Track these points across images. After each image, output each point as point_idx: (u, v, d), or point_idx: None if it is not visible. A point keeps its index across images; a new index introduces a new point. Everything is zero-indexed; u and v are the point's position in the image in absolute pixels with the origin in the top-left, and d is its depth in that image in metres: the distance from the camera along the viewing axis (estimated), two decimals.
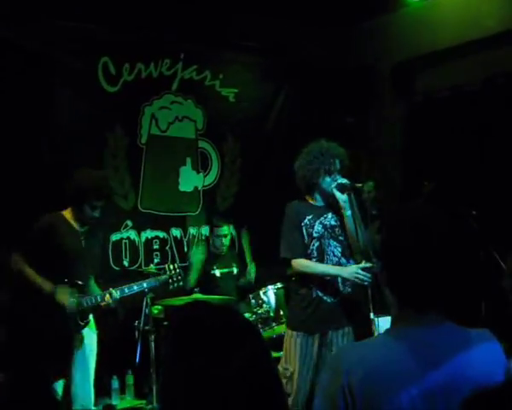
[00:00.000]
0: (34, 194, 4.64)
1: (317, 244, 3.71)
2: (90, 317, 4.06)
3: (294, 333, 3.70)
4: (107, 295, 3.93)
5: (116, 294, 3.97)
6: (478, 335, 1.56)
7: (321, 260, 3.71)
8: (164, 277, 4.27)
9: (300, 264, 3.67)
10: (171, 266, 4.33)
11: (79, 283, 3.90)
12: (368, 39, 6.00)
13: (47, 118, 4.92)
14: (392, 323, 1.57)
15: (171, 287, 4.35)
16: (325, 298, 3.69)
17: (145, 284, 4.15)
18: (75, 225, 3.98)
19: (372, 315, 3.57)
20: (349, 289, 3.74)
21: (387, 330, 1.57)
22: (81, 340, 3.98)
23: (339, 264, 3.74)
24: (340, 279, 3.71)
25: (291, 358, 3.67)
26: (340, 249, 3.75)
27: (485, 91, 5.09)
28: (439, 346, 1.49)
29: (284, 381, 3.66)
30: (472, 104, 5.18)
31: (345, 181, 3.66)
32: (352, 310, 3.76)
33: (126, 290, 4.06)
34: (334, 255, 3.74)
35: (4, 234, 4.24)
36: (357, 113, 6.09)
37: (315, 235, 3.70)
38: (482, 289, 4.03)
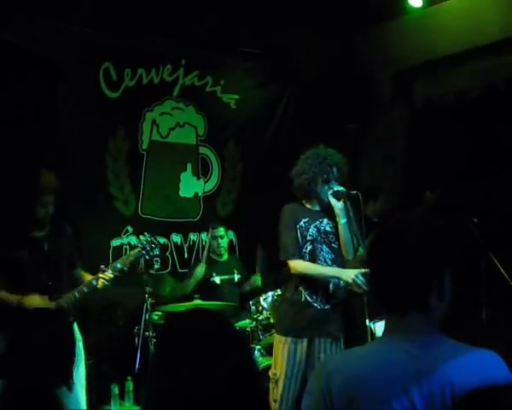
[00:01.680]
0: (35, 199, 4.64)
1: (310, 247, 3.68)
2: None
3: (283, 338, 3.68)
4: (100, 275, 3.83)
5: (110, 274, 3.85)
6: (472, 349, 1.51)
7: (311, 263, 3.69)
8: (137, 249, 4.10)
9: (299, 265, 3.65)
10: (142, 237, 4.18)
11: (48, 283, 3.78)
12: (369, 46, 6.01)
13: (48, 123, 4.93)
14: (384, 332, 1.56)
15: (147, 257, 4.17)
16: (315, 304, 3.66)
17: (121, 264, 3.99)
18: (33, 232, 3.87)
19: (368, 322, 3.56)
20: (340, 297, 3.71)
21: (376, 339, 1.55)
22: None
23: None
24: (331, 286, 3.67)
25: (278, 363, 3.67)
26: (331, 256, 3.71)
27: (488, 98, 5.09)
28: (424, 357, 1.45)
29: (271, 386, 3.67)
30: (474, 111, 5.17)
31: (341, 189, 3.63)
32: (343, 318, 3.73)
33: (119, 266, 3.92)
34: (325, 261, 3.70)
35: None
36: (358, 119, 6.09)
37: (309, 238, 3.68)
38: (483, 296, 4.02)
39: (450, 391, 1.41)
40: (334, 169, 3.66)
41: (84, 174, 5.13)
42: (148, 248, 4.09)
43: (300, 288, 3.67)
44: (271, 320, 4.74)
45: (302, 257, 3.67)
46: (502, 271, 3.76)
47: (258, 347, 4.68)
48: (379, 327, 3.83)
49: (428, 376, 1.42)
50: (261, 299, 4.82)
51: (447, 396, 1.41)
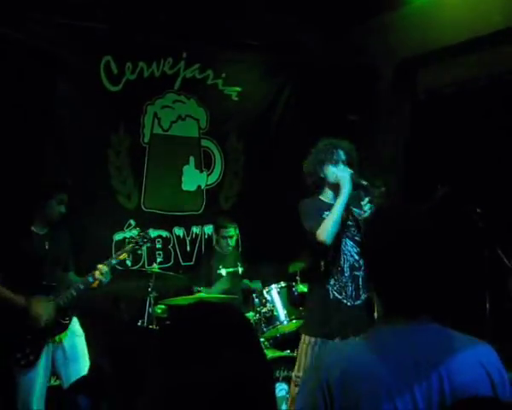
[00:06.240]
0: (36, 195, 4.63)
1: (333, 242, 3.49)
2: (75, 322, 4.02)
3: (312, 340, 3.46)
4: (97, 273, 3.86)
5: (105, 267, 3.90)
6: (467, 338, 1.53)
7: (337, 258, 3.50)
8: (130, 245, 4.28)
9: (321, 230, 3.40)
10: (134, 232, 4.55)
11: (53, 284, 3.84)
12: (372, 36, 5.97)
13: (49, 117, 4.92)
14: (377, 322, 1.56)
15: (139, 251, 4.71)
16: (344, 301, 3.48)
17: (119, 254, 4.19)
18: (35, 229, 3.92)
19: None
20: (369, 292, 3.50)
21: (371, 331, 1.54)
22: (67, 336, 3.93)
23: (355, 265, 3.52)
24: (360, 281, 3.50)
25: (303, 365, 3.45)
26: (357, 249, 3.53)
27: (491, 89, 5.05)
28: (422, 347, 1.46)
29: (296, 389, 3.44)
30: (477, 102, 5.14)
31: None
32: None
33: (113, 262, 4.05)
34: (351, 255, 3.53)
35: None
36: (360, 111, 6.06)
37: None
38: (486, 288, 3.99)
39: (448, 379, 1.43)
40: (340, 151, 3.59)
41: (85, 168, 5.12)
42: (141, 243, 4.32)
43: (328, 285, 3.49)
44: (275, 313, 4.74)
45: (327, 251, 3.49)
46: (506, 262, 3.74)
47: (262, 339, 4.68)
48: None
49: (427, 364, 1.44)
50: (264, 291, 4.83)
51: (446, 384, 1.43)
